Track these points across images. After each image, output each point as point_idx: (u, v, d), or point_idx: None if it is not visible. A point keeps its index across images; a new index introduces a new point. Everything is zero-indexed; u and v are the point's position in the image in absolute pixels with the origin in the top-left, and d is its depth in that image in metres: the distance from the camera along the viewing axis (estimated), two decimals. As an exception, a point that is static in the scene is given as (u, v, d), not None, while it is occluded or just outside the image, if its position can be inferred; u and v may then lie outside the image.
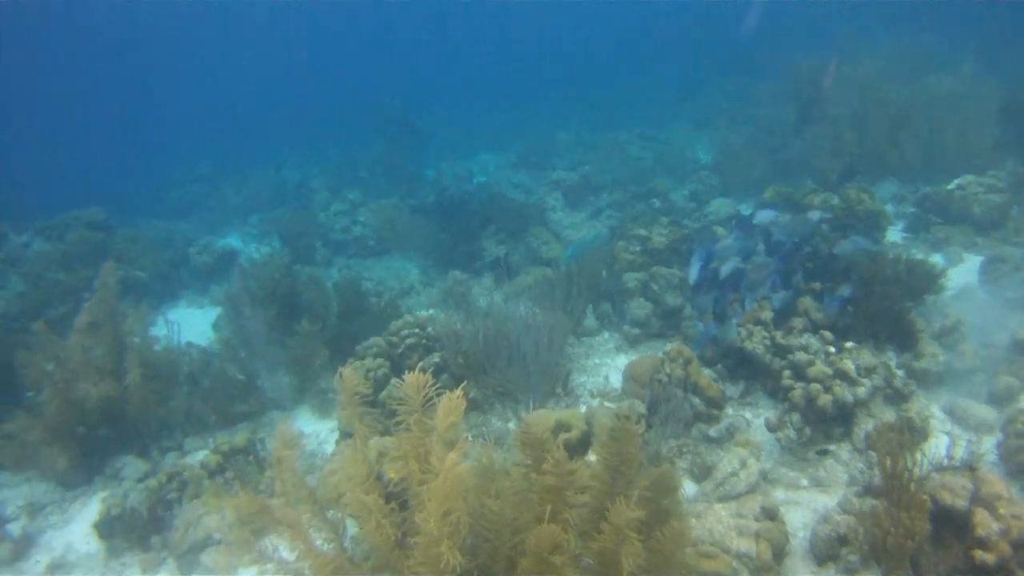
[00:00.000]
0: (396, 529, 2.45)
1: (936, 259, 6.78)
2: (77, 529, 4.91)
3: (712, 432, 4.76)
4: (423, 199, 11.37)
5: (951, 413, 4.70)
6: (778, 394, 4.84)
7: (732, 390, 5.23)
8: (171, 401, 5.88)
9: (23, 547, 4.73)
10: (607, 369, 6.03)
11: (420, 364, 5.34)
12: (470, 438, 4.80)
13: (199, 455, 5.46)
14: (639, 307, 6.42)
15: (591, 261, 6.82)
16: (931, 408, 4.78)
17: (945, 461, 3.69)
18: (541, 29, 41.65)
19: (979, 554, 2.95)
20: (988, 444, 4.26)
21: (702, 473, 4.32)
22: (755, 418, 4.95)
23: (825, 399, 4.44)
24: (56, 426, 5.30)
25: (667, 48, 27.01)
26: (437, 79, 32.12)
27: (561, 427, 4.09)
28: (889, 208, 8.12)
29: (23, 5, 28.76)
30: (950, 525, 3.17)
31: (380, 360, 5.48)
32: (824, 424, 4.52)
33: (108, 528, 4.56)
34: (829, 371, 4.57)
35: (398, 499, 2.58)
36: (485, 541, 2.47)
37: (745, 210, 9.23)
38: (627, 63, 27.02)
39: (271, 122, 23.33)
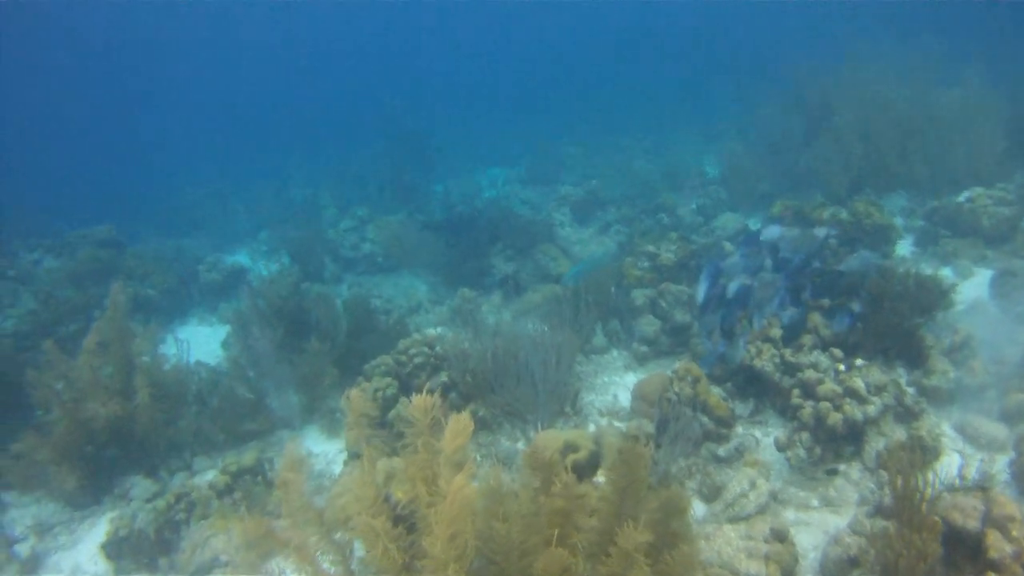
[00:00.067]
0: (403, 553, 2.45)
1: (945, 273, 6.74)
2: (85, 550, 4.91)
3: (721, 451, 4.73)
4: (431, 215, 11.40)
5: (962, 431, 4.65)
6: (788, 412, 4.81)
7: (742, 408, 5.20)
8: (180, 420, 5.91)
9: (31, 568, 4.74)
10: (616, 387, 6.01)
11: (428, 383, 5.34)
12: (478, 458, 4.78)
13: (208, 475, 5.48)
14: (648, 324, 6.40)
15: (600, 277, 6.82)
16: (942, 426, 4.73)
17: (957, 481, 3.63)
18: (548, 32, 42.11)
19: (992, 577, 2.91)
20: (1000, 463, 4.20)
21: (711, 493, 4.29)
22: (765, 437, 4.91)
23: (835, 417, 4.40)
24: (65, 446, 5.32)
25: (669, 49, 27.16)
26: (445, 85, 32.55)
27: (569, 448, 4.06)
28: (898, 221, 8.10)
29: (24, 7, 29.01)
30: (962, 547, 3.12)
31: (388, 379, 5.49)
32: (834, 443, 4.48)
33: (116, 549, 4.57)
34: (839, 389, 4.54)
35: (406, 522, 2.58)
36: (492, 564, 2.46)
37: (753, 225, 9.22)
38: (629, 65, 27.22)
39: (280, 136, 23.42)
